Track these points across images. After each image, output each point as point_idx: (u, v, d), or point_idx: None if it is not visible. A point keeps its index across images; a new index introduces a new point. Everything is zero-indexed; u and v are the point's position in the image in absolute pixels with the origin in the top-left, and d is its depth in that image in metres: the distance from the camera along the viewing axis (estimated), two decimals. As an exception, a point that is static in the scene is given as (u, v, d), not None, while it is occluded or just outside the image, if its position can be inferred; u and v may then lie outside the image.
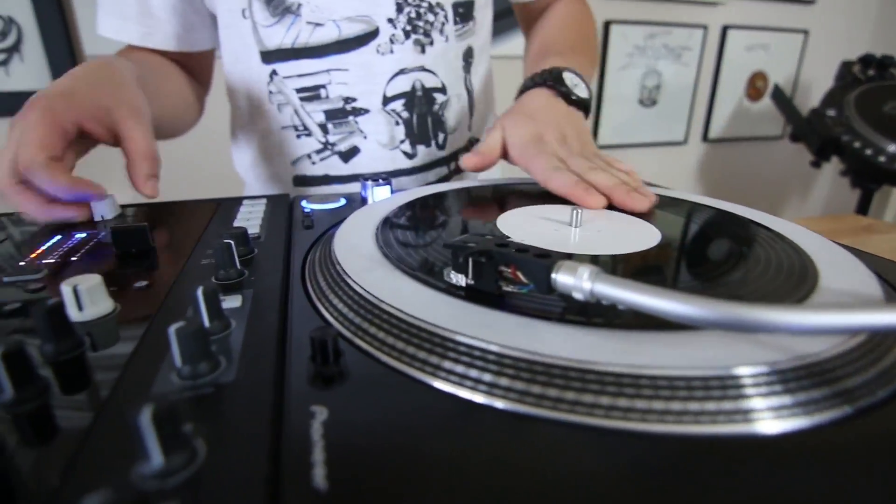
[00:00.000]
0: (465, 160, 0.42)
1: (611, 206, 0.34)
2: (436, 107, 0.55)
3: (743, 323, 0.14)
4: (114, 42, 0.52)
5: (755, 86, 1.66)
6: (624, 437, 0.14)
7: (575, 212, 0.29)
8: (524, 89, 0.47)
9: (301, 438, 0.14)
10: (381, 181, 0.40)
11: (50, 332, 0.18)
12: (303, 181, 0.55)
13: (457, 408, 0.15)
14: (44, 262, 0.27)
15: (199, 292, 0.19)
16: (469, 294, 0.20)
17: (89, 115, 0.36)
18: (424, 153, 0.56)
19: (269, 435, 0.14)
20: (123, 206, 0.38)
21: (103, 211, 0.35)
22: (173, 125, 0.52)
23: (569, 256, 0.20)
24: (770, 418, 0.15)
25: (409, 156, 0.55)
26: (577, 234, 0.28)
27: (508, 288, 0.20)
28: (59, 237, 0.31)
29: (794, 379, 0.15)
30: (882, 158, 1.21)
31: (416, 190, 0.40)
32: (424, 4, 0.51)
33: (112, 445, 0.13)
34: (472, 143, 0.61)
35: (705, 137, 1.67)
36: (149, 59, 0.51)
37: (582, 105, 0.45)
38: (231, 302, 0.22)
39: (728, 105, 1.66)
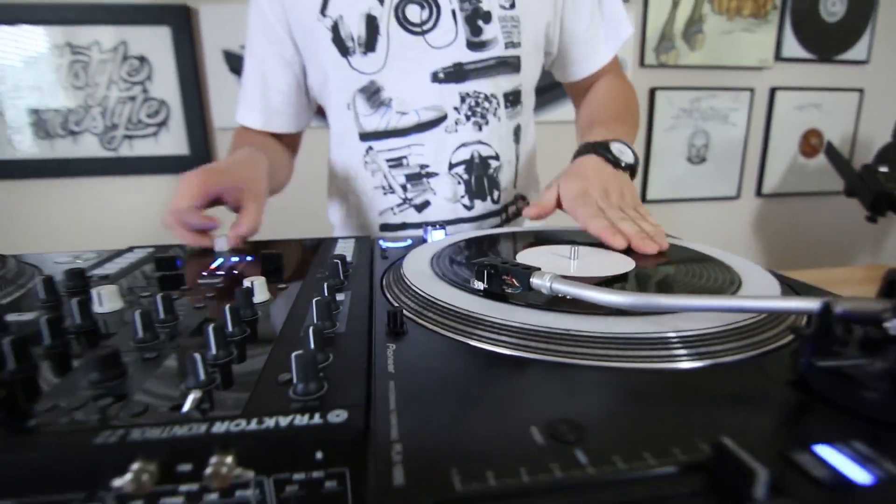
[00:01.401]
0: (527, 211, 0.53)
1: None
2: (490, 170, 0.68)
3: (635, 305, 0.25)
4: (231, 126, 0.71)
5: (810, 143, 1.68)
6: (585, 370, 0.24)
7: (573, 249, 0.40)
8: (578, 154, 0.57)
9: (382, 364, 0.25)
10: (437, 227, 0.53)
11: (245, 303, 0.31)
12: (385, 227, 0.70)
13: (468, 352, 0.26)
14: (218, 273, 0.42)
15: (325, 286, 0.32)
16: (485, 293, 0.31)
17: (228, 189, 0.52)
18: (481, 206, 0.69)
19: (366, 361, 0.26)
20: (249, 243, 0.53)
21: (221, 246, 0.50)
22: (280, 186, 0.71)
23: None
24: (680, 362, 0.24)
25: (468, 208, 0.68)
26: (574, 264, 0.39)
27: (507, 290, 0.31)
28: (221, 260, 0.46)
29: (692, 341, 0.25)
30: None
31: (460, 234, 0.52)
32: (481, 95, 0.65)
33: (275, 374, 0.26)
34: (518, 199, 0.73)
35: (759, 192, 1.69)
36: (265, 139, 0.70)
37: (629, 168, 0.56)
38: (339, 296, 0.35)
39: (782, 161, 1.68)
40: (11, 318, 0.32)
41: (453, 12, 0.62)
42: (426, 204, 0.68)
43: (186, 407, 0.21)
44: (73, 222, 1.35)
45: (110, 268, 0.45)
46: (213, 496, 0.19)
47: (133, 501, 0.19)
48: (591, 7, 0.69)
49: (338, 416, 0.20)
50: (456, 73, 0.63)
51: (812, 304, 0.22)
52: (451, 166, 0.67)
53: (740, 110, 1.59)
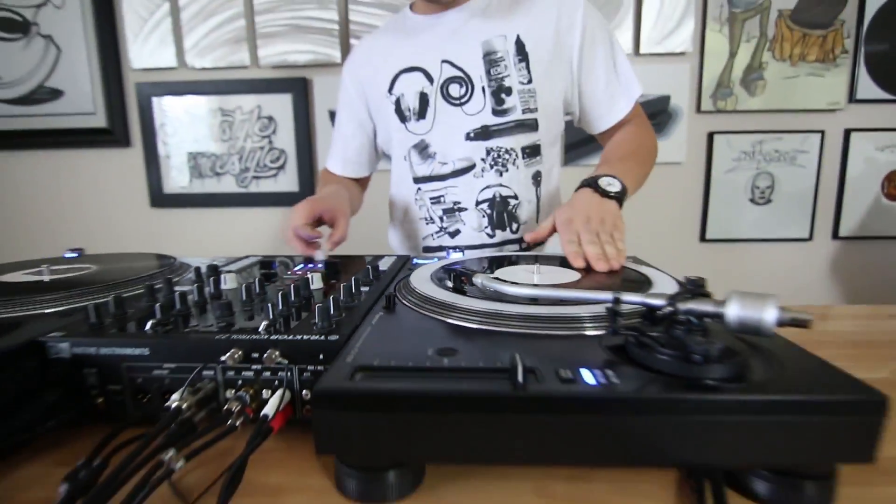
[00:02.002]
0: (526, 237, 0.69)
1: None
2: (510, 207, 0.83)
3: (495, 292, 0.38)
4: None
5: (894, 185, 1.58)
6: (497, 334, 0.39)
7: (537, 266, 0.53)
8: (577, 188, 0.70)
9: (370, 322, 0.41)
10: (456, 251, 0.69)
11: (304, 285, 0.49)
12: (427, 249, 0.88)
13: (430, 322, 0.42)
14: (297, 272, 0.61)
15: (353, 279, 0.49)
16: (452, 289, 0.46)
17: (326, 211, 0.73)
18: (501, 235, 0.84)
19: (361, 319, 0.42)
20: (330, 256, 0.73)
21: (320, 255, 0.70)
22: (353, 212, 0.92)
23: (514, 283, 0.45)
24: (585, 330, 0.38)
25: (490, 236, 0.84)
26: (535, 276, 0.52)
27: (465, 287, 0.46)
28: (300, 266, 0.66)
29: (565, 320, 0.38)
30: None
31: (466, 256, 0.67)
32: (503, 149, 0.81)
33: (311, 320, 0.43)
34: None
35: (835, 235, 1.61)
36: (345, 180, 0.92)
37: (616, 197, 0.68)
38: (364, 289, 0.52)
39: (862, 204, 1.59)
40: (177, 288, 0.54)
41: (483, 88, 0.80)
42: (457, 232, 0.84)
43: (261, 328, 0.39)
44: (213, 240, 1.70)
45: (234, 266, 0.67)
46: (267, 373, 0.37)
47: (228, 371, 0.37)
48: (607, 72, 0.83)
49: (333, 338, 0.37)
50: (483, 133, 0.81)
51: (608, 296, 0.34)
52: (478, 203, 0.83)
53: (810, 152, 1.55)
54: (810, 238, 1.61)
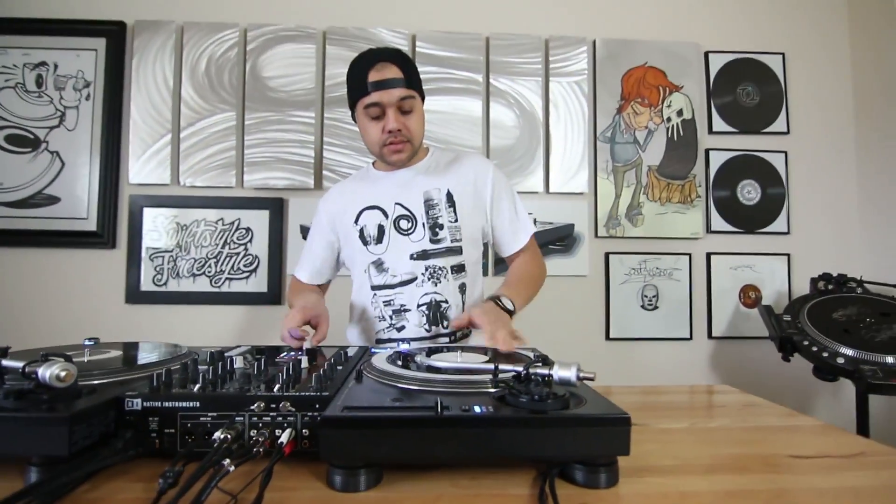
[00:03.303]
0: (451, 324, 0.93)
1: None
2: (441, 309, 1.07)
3: (439, 366, 0.60)
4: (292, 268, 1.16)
5: (748, 296, 1.97)
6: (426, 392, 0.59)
7: (460, 353, 0.76)
8: (486, 299, 0.97)
9: (347, 388, 0.61)
10: (403, 342, 0.90)
11: (296, 366, 0.68)
12: (379, 341, 1.09)
13: (388, 388, 0.62)
14: (286, 356, 0.80)
15: (330, 360, 0.69)
16: (403, 366, 0.67)
17: (312, 316, 0.94)
18: (435, 330, 1.07)
19: (339, 385, 0.62)
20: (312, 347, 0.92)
21: (307, 345, 0.89)
22: None
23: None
24: (483, 388, 0.59)
25: (428, 331, 1.07)
26: (459, 359, 0.74)
27: (410, 365, 0.67)
28: (293, 353, 0.84)
29: (485, 382, 0.60)
30: (840, 360, 1.42)
31: (412, 347, 0.89)
32: (437, 267, 1.07)
33: (306, 386, 0.62)
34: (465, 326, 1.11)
35: (710, 335, 1.95)
36: (308, 286, 1.14)
37: (509, 311, 0.95)
38: (339, 367, 0.71)
39: (727, 309, 1.96)
40: (201, 367, 0.71)
41: (423, 224, 1.08)
42: (403, 327, 1.07)
43: (275, 388, 0.58)
44: (184, 333, 1.80)
45: (232, 352, 0.84)
46: (280, 418, 0.55)
47: (253, 417, 0.55)
48: (510, 215, 1.14)
49: (326, 393, 0.56)
50: (423, 255, 1.07)
51: (489, 366, 0.57)
52: (419, 306, 1.07)
53: (682, 269, 1.94)
54: (690, 337, 1.94)
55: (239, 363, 0.72)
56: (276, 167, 1.81)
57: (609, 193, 1.93)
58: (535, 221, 1.87)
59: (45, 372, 0.52)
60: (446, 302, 1.08)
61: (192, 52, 1.81)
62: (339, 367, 0.72)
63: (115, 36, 1.79)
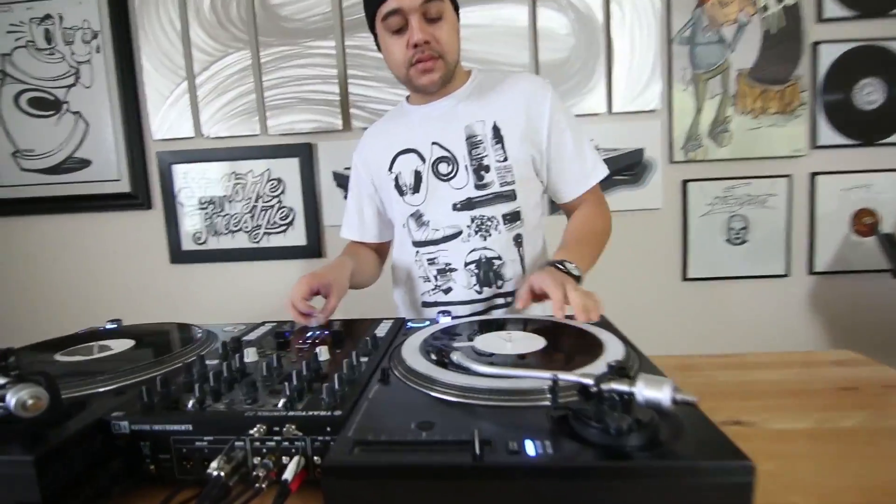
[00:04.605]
0: (515, 305, 0.78)
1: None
2: (495, 267, 0.94)
3: (476, 370, 0.48)
4: (337, 223, 1.05)
5: (862, 222, 1.67)
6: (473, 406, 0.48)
7: (509, 333, 0.63)
8: (546, 265, 0.81)
9: (369, 394, 0.50)
10: (445, 314, 0.78)
11: (314, 359, 0.59)
12: (424, 304, 0.99)
13: (424, 398, 0.51)
14: (307, 340, 0.71)
15: (354, 353, 0.58)
16: (436, 363, 0.56)
17: (322, 286, 0.83)
18: (488, 291, 0.94)
19: (360, 392, 0.51)
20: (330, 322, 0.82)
21: (314, 322, 0.79)
22: (366, 283, 1.03)
23: (490, 355, 0.54)
24: (539, 402, 0.47)
25: (479, 293, 0.94)
26: (509, 344, 0.61)
27: (446, 361, 0.55)
28: (310, 333, 0.75)
29: (540, 392, 0.47)
30: None
31: (458, 320, 0.76)
32: (485, 217, 0.92)
33: (320, 395, 0.52)
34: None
35: (811, 270, 1.70)
36: (359, 249, 1.03)
37: (574, 277, 0.79)
38: (364, 359, 0.61)
39: (834, 239, 1.68)
40: (209, 362, 0.63)
41: (466, 167, 0.91)
42: (450, 289, 0.95)
43: (279, 405, 0.48)
44: (229, 291, 1.80)
45: (253, 335, 0.76)
46: (286, 443, 0.46)
47: (255, 442, 0.46)
48: (573, 155, 0.95)
49: (338, 413, 0.46)
50: (468, 204, 0.92)
51: (547, 374, 0.43)
52: (466, 264, 0.94)
53: (779, 195, 1.66)
54: (787, 274, 1.69)
55: (252, 356, 0.64)
56: (300, 109, 1.67)
57: (688, 108, 1.63)
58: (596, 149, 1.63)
59: (12, 399, 0.45)
60: (499, 258, 0.94)
61: (196, -17, 1.64)
62: (366, 359, 0.61)
63: (112, -26, 1.65)
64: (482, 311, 0.96)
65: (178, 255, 1.80)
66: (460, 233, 0.94)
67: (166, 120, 1.71)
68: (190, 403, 0.49)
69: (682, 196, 1.67)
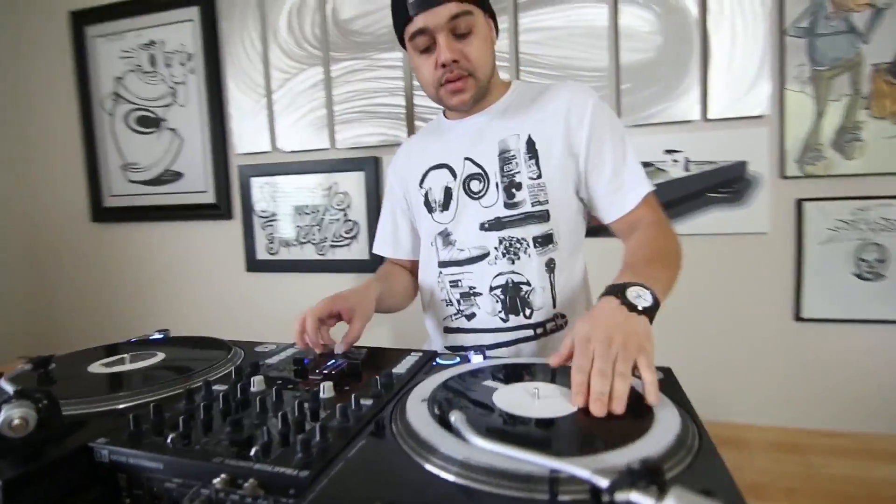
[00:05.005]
0: (551, 360, 0.60)
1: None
2: (522, 293, 0.84)
3: (480, 446, 0.39)
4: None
5: None
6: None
7: (535, 389, 0.53)
8: (602, 295, 0.62)
9: (351, 450, 0.44)
10: (477, 353, 0.70)
11: (314, 398, 0.54)
12: (447, 330, 0.93)
13: (414, 470, 0.44)
14: (324, 371, 0.66)
15: (353, 397, 0.53)
16: (438, 421, 0.48)
17: (344, 310, 0.78)
18: (515, 320, 0.86)
19: (342, 448, 0.45)
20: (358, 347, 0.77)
21: (338, 349, 0.74)
22: (398, 307, 0.97)
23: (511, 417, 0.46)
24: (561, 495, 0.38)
25: (504, 321, 0.86)
26: (536, 402, 0.52)
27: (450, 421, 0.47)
28: (334, 361, 0.71)
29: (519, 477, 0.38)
30: None
31: (475, 363, 0.67)
32: (514, 239, 0.84)
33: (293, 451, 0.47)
34: (556, 317, 0.86)
35: (978, 315, 1.34)
36: (393, 269, 0.98)
37: (645, 311, 0.58)
38: (367, 402, 0.55)
39: None
40: (216, 387, 0.61)
41: (497, 184, 0.84)
42: (473, 315, 0.88)
43: (252, 452, 0.44)
44: (297, 299, 1.86)
45: (275, 358, 0.74)
46: (248, 500, 0.41)
47: (219, 493, 0.42)
48: (614, 166, 0.83)
49: (303, 474, 0.40)
50: (496, 224, 0.85)
51: (548, 463, 0.34)
52: (491, 289, 0.86)
53: (930, 218, 1.34)
54: (940, 319, 1.36)
55: (259, 385, 0.61)
56: (367, 122, 1.68)
57: (805, 112, 1.38)
58: (686, 163, 1.45)
59: (1, 417, 0.46)
60: (528, 283, 0.85)
61: (273, 6, 1.73)
62: (369, 402, 0.55)
63: (205, 1, 1.80)
64: (509, 343, 0.87)
65: (254, 264, 1.90)
66: (487, 254, 0.86)
67: (245, 135, 1.83)
68: (170, 438, 0.47)
69: (797, 218, 1.41)
